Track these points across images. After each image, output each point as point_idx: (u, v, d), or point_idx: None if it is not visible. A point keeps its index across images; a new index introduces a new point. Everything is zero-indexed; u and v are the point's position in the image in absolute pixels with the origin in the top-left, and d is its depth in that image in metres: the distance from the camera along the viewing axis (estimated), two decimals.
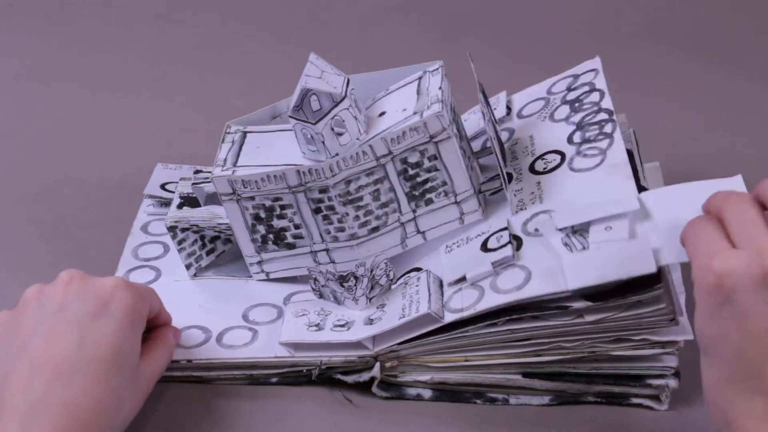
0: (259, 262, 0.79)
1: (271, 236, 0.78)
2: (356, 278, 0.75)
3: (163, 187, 0.88)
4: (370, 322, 0.73)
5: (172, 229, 0.80)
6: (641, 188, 0.74)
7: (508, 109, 0.87)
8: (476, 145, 0.84)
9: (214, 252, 0.82)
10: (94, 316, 0.65)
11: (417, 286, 0.74)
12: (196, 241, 0.81)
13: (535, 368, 0.71)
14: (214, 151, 0.90)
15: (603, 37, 1.15)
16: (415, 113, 0.75)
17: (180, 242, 0.81)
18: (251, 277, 0.80)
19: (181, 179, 0.84)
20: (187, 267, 0.81)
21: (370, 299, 0.75)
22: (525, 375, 0.71)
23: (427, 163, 0.76)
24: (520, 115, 0.86)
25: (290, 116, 0.75)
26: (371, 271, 0.75)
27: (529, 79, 1.00)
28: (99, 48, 1.17)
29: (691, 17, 1.17)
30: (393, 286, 0.76)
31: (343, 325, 0.74)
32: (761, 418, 0.58)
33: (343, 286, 0.75)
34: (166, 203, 0.87)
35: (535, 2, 1.21)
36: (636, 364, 0.70)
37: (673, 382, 0.70)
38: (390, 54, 1.13)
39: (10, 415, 0.61)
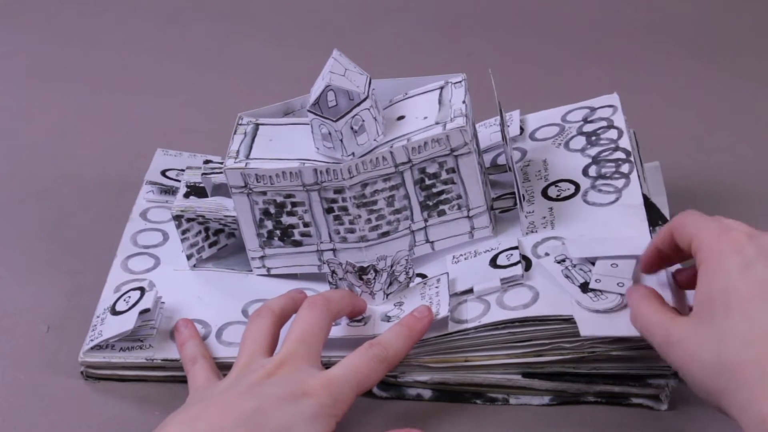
0: (262, 257, 0.79)
1: (278, 232, 0.78)
2: (376, 271, 0.75)
3: (163, 173, 0.88)
4: (387, 319, 0.73)
5: (177, 218, 0.80)
6: (645, 198, 0.77)
7: (521, 129, 0.87)
8: (485, 160, 0.84)
9: (217, 245, 0.82)
10: (279, 400, 0.64)
11: (437, 287, 0.74)
12: (200, 232, 0.81)
13: (535, 368, 0.71)
14: (215, 150, 0.91)
15: (603, 36, 1.14)
16: (437, 123, 0.75)
17: (184, 232, 0.80)
18: (251, 271, 0.80)
19: (187, 168, 0.84)
20: (188, 257, 0.81)
21: (387, 295, 0.75)
22: (525, 375, 0.71)
23: (444, 175, 0.76)
24: (533, 137, 0.86)
25: (309, 110, 0.75)
26: (392, 266, 0.75)
27: (530, 79, 1.00)
28: (99, 48, 1.17)
29: (691, 17, 1.17)
30: (411, 285, 0.76)
31: (359, 321, 0.74)
32: None
33: (361, 279, 0.75)
34: (166, 190, 0.87)
35: (535, 2, 1.21)
36: (636, 364, 0.70)
37: (673, 382, 0.70)
38: (390, 54, 1.13)
39: None
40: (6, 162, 0.98)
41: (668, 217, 0.77)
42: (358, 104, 0.74)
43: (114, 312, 0.75)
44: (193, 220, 0.80)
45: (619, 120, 0.84)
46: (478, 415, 0.72)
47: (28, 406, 0.74)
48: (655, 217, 0.75)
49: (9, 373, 0.76)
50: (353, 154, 0.75)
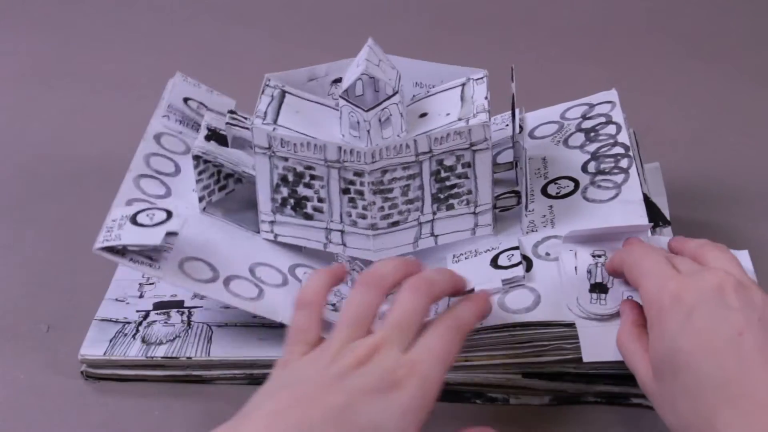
0: (272, 222, 0.79)
1: (291, 201, 0.78)
2: None
3: (185, 101, 0.87)
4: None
5: (197, 158, 0.79)
6: (645, 197, 0.76)
7: (521, 127, 0.87)
8: None
9: (226, 189, 0.81)
10: (368, 394, 0.61)
11: None
12: (213, 174, 0.80)
13: (536, 368, 0.71)
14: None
15: (603, 36, 1.15)
16: (459, 120, 0.75)
17: (200, 173, 0.79)
18: (258, 232, 0.80)
19: (208, 111, 0.83)
20: (200, 199, 0.80)
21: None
22: (525, 375, 0.71)
23: (459, 169, 0.76)
24: (532, 135, 0.86)
25: (341, 96, 0.75)
26: None
27: (530, 78, 1.00)
28: (99, 48, 1.17)
29: (691, 17, 1.17)
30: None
31: None
32: (749, 421, 0.58)
33: None
34: (184, 121, 0.86)
35: (535, 1, 1.21)
36: None
37: None
38: (389, 53, 1.13)
39: (251, 429, 0.60)
40: (6, 162, 0.98)
41: (668, 218, 0.77)
42: (389, 97, 0.74)
43: (135, 222, 0.74)
44: (209, 162, 0.80)
45: (618, 115, 0.84)
46: (478, 415, 0.72)
47: (28, 406, 0.74)
48: (655, 217, 0.75)
49: (9, 373, 0.76)
50: (377, 146, 0.75)
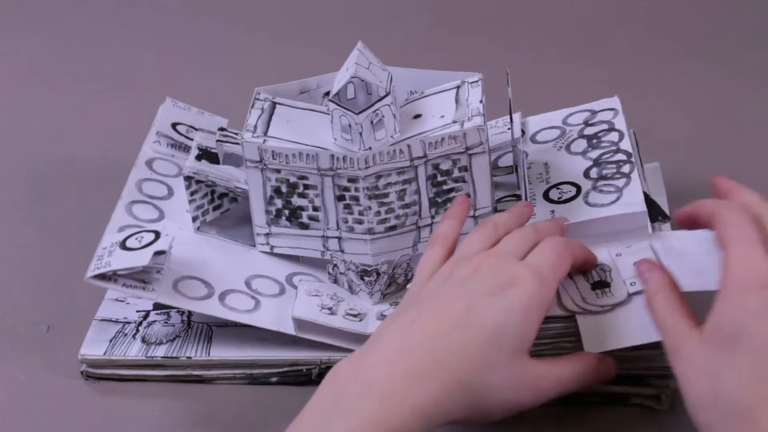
0: (267, 234, 0.79)
1: (286, 212, 0.78)
2: (378, 275, 0.75)
3: (174, 127, 0.88)
4: (382, 317, 0.73)
5: (188, 179, 0.79)
6: (645, 195, 0.76)
7: (522, 131, 0.87)
8: None
9: (220, 208, 0.82)
10: (487, 295, 0.64)
11: None
12: (206, 194, 0.81)
13: None
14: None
15: (603, 37, 1.14)
16: (454, 122, 0.75)
17: (192, 193, 0.80)
18: (254, 246, 0.80)
19: (199, 130, 0.84)
20: (194, 219, 0.80)
21: (384, 295, 0.76)
22: None
23: (456, 173, 0.76)
24: (534, 140, 0.86)
25: (331, 100, 0.75)
26: (393, 269, 0.75)
27: (530, 81, 1.00)
28: (99, 48, 1.17)
29: (691, 17, 1.17)
30: (408, 286, 0.76)
31: (355, 316, 0.74)
32: None
33: (362, 280, 0.75)
34: (174, 145, 0.87)
35: (535, 1, 1.21)
36: (636, 364, 0.70)
37: (673, 383, 0.70)
38: (389, 54, 1.13)
39: (381, 348, 0.63)
40: (6, 162, 0.98)
41: (669, 215, 0.77)
42: (381, 99, 0.74)
43: (124, 247, 0.74)
44: (202, 182, 0.80)
45: (620, 123, 0.84)
46: None
47: (28, 406, 0.74)
48: (655, 214, 0.75)
49: (9, 373, 0.76)
50: (370, 148, 0.75)
